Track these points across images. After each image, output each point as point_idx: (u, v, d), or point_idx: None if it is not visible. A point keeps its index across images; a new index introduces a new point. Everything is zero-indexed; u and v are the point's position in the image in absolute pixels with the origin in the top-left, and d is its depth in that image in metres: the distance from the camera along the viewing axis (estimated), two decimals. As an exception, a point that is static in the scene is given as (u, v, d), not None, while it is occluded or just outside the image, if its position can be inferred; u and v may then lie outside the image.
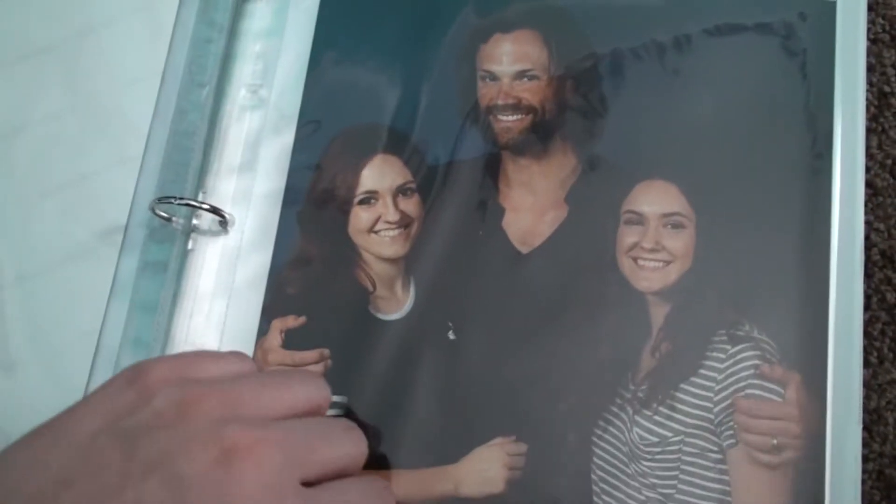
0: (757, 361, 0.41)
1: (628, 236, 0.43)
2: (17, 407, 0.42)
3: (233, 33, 0.47)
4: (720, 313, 0.42)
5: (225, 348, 0.42)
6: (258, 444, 0.31)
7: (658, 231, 0.43)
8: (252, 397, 0.33)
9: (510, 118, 0.45)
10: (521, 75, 0.46)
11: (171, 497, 0.30)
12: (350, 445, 0.35)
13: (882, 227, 0.46)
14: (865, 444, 0.42)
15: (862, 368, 0.41)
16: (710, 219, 0.43)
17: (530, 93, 0.45)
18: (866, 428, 0.43)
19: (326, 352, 0.43)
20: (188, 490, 0.30)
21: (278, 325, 0.43)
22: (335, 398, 0.42)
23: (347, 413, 0.42)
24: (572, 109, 0.45)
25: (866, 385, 0.43)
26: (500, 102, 0.45)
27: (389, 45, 0.47)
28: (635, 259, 0.43)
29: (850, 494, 0.39)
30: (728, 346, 0.41)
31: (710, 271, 0.42)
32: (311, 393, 0.35)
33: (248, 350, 0.43)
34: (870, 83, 0.47)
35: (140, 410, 0.32)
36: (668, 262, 0.42)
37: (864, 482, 0.41)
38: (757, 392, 0.40)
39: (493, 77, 0.46)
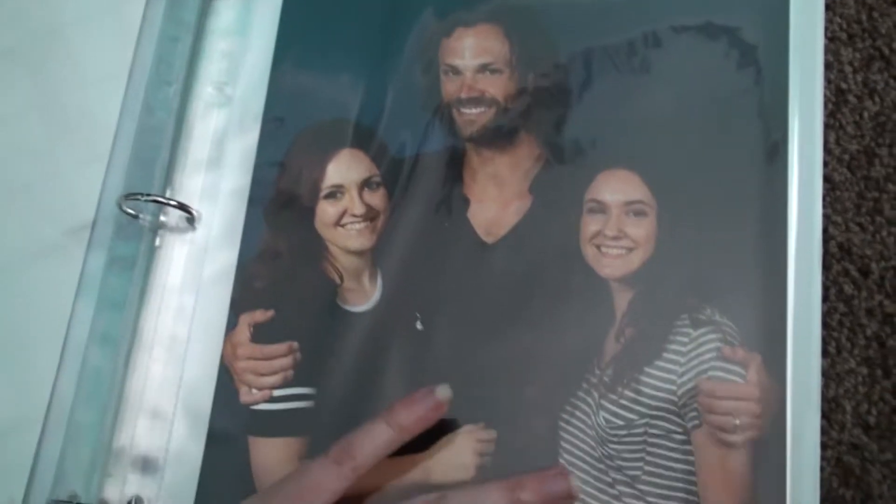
0: (719, 344, 0.41)
1: (591, 224, 0.44)
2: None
3: (199, 31, 0.47)
4: (682, 298, 0.42)
5: (193, 343, 0.43)
6: None
7: (620, 219, 0.43)
8: None
9: (473, 111, 0.46)
10: (483, 69, 0.46)
11: None
12: None
13: (840, 220, 0.47)
14: (824, 432, 0.43)
15: (821, 358, 0.42)
16: (672, 207, 0.44)
17: (493, 86, 0.46)
18: (825, 416, 0.43)
19: (295, 344, 0.43)
20: None
21: (246, 320, 0.43)
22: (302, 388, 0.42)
23: (314, 403, 0.42)
24: (535, 102, 0.46)
25: (825, 374, 0.44)
26: (463, 96, 0.46)
27: (353, 42, 0.47)
28: (598, 247, 0.43)
29: (809, 481, 0.40)
30: (690, 330, 0.42)
31: (672, 258, 0.43)
32: None
33: (217, 344, 0.43)
34: (827, 80, 0.48)
35: None
36: (630, 250, 0.43)
37: (822, 469, 0.42)
38: (719, 374, 0.41)
39: (456, 71, 0.46)
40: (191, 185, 0.45)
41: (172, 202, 0.44)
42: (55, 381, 0.42)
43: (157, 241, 0.45)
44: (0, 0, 0.47)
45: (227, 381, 0.43)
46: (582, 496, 0.40)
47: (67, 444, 0.42)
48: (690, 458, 0.40)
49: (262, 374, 0.43)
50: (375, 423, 0.39)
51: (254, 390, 0.42)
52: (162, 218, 0.45)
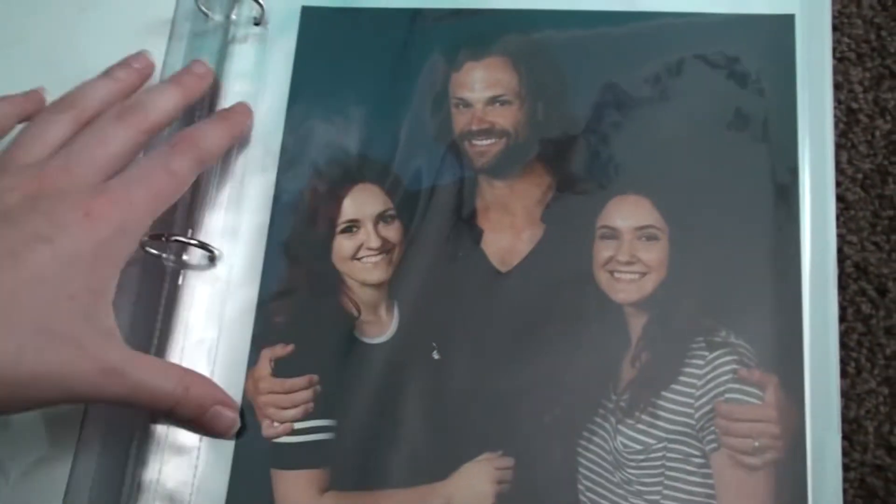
0: (735, 366, 0.41)
1: (604, 250, 0.44)
2: None
3: (217, 74, 0.49)
4: (697, 321, 0.42)
5: (216, 378, 0.43)
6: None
7: (633, 244, 0.44)
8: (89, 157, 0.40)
9: (484, 142, 0.47)
10: (493, 101, 0.47)
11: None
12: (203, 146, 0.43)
13: (855, 239, 0.47)
14: (846, 454, 0.43)
15: (839, 378, 0.41)
16: (683, 230, 0.44)
17: (503, 117, 0.47)
18: (846, 437, 0.43)
19: (315, 377, 0.44)
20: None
21: (268, 354, 0.44)
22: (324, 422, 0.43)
23: (335, 435, 0.43)
24: (545, 131, 0.46)
25: (845, 395, 0.43)
26: (474, 128, 0.47)
27: (365, 80, 0.48)
28: (612, 272, 0.44)
29: (832, 501, 0.40)
30: (706, 353, 0.42)
31: (686, 281, 0.43)
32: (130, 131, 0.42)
33: (240, 380, 0.44)
34: (837, 101, 0.48)
35: None
36: (643, 274, 0.43)
37: (846, 491, 0.41)
38: (736, 396, 0.41)
39: (467, 104, 0.47)
40: (212, 225, 0.46)
41: (194, 241, 0.45)
42: (83, 416, 0.44)
43: (181, 280, 0.46)
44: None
45: (249, 415, 0.43)
46: (602, 522, 0.40)
47: (96, 480, 0.43)
48: (710, 481, 0.40)
49: (284, 408, 0.43)
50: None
51: (276, 424, 0.43)
52: (185, 257, 0.46)
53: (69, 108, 0.43)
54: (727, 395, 0.41)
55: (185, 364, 0.44)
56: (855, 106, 0.49)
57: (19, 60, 0.50)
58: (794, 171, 0.44)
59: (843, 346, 0.44)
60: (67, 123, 0.42)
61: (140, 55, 0.47)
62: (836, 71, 0.48)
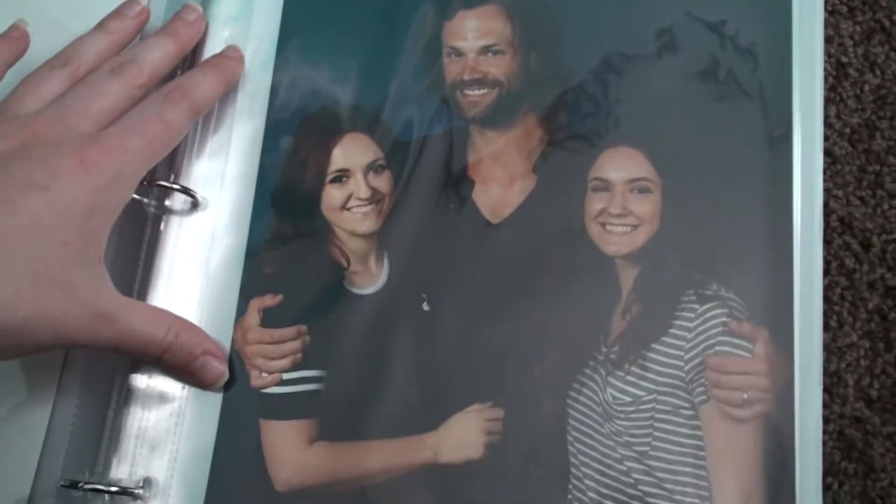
0: (725, 319, 0.42)
1: (596, 202, 0.44)
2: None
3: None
4: (688, 274, 0.43)
5: (203, 327, 0.43)
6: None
7: (625, 196, 0.44)
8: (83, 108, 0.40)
9: (476, 92, 0.46)
10: (485, 50, 0.46)
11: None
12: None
13: (840, 194, 0.47)
14: (826, 406, 0.43)
15: (822, 332, 0.42)
16: (676, 184, 0.44)
17: (495, 67, 0.46)
18: (827, 390, 0.44)
19: (304, 328, 0.43)
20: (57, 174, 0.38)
21: (256, 304, 0.44)
22: (313, 372, 0.43)
23: (324, 386, 0.42)
24: (538, 82, 0.46)
25: (827, 348, 0.44)
26: (466, 77, 0.46)
27: (356, 27, 0.47)
28: (603, 224, 0.44)
29: (812, 455, 0.40)
30: (697, 306, 0.42)
31: (677, 234, 0.43)
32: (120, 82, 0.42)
33: (228, 330, 0.43)
34: (828, 54, 0.48)
35: None
36: (635, 227, 0.43)
37: (825, 443, 0.42)
38: (726, 348, 0.41)
39: (459, 53, 0.47)
40: (196, 171, 0.46)
41: (176, 186, 0.44)
42: (63, 364, 0.43)
43: (162, 226, 0.45)
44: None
45: (237, 365, 0.43)
46: (590, 472, 0.41)
47: (76, 426, 0.42)
48: (698, 433, 0.41)
49: (272, 358, 0.43)
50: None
51: (264, 374, 0.43)
52: (167, 202, 0.45)
53: (64, 64, 0.43)
54: (717, 348, 0.41)
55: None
56: (845, 60, 0.49)
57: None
58: (787, 126, 0.44)
59: (827, 299, 0.44)
60: (62, 78, 0.42)
61: (134, 2, 0.46)
62: (826, 24, 0.48)
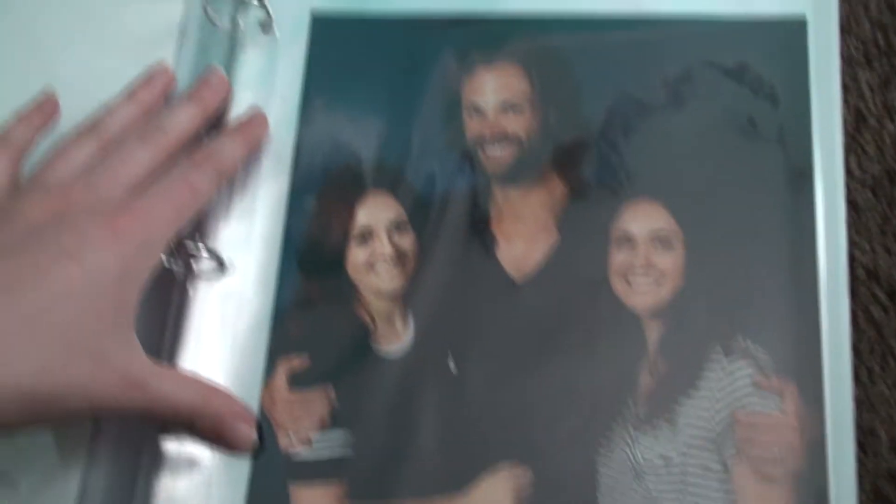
0: (753, 374, 0.41)
1: (619, 257, 0.44)
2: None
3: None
4: (714, 328, 0.43)
5: (231, 390, 0.43)
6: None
7: (648, 250, 0.44)
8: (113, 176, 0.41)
9: (497, 150, 0.46)
10: (505, 107, 0.47)
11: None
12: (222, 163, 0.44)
13: (865, 243, 0.47)
14: (859, 461, 0.43)
15: (852, 385, 0.42)
16: (699, 236, 0.44)
17: (515, 124, 0.46)
18: (859, 445, 0.43)
19: (331, 389, 0.43)
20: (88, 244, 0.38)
21: (283, 367, 0.44)
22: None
23: (353, 447, 0.42)
24: (558, 138, 0.46)
25: (857, 402, 0.43)
26: (486, 135, 0.46)
27: (377, 87, 0.48)
28: (627, 279, 0.44)
29: None
30: (724, 361, 0.42)
31: (702, 287, 0.43)
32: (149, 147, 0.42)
33: (256, 393, 0.43)
34: (846, 103, 0.48)
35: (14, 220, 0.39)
36: (659, 281, 0.43)
37: (860, 500, 0.41)
38: (755, 404, 0.41)
39: (479, 110, 0.47)
40: (223, 233, 0.46)
41: (203, 251, 0.45)
42: (93, 429, 0.43)
43: (190, 290, 0.45)
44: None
45: (266, 428, 0.43)
46: (623, 532, 0.40)
47: (106, 495, 0.43)
48: (731, 492, 0.40)
49: (300, 420, 0.43)
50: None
51: (292, 436, 0.43)
52: (194, 266, 0.45)
53: (93, 132, 0.44)
54: (746, 404, 0.41)
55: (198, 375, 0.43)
56: (864, 108, 0.49)
57: (26, 69, 0.49)
58: (809, 177, 0.44)
59: (855, 352, 0.44)
60: (92, 146, 0.43)
61: (160, 69, 0.47)
62: (844, 73, 0.48)
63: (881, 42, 0.50)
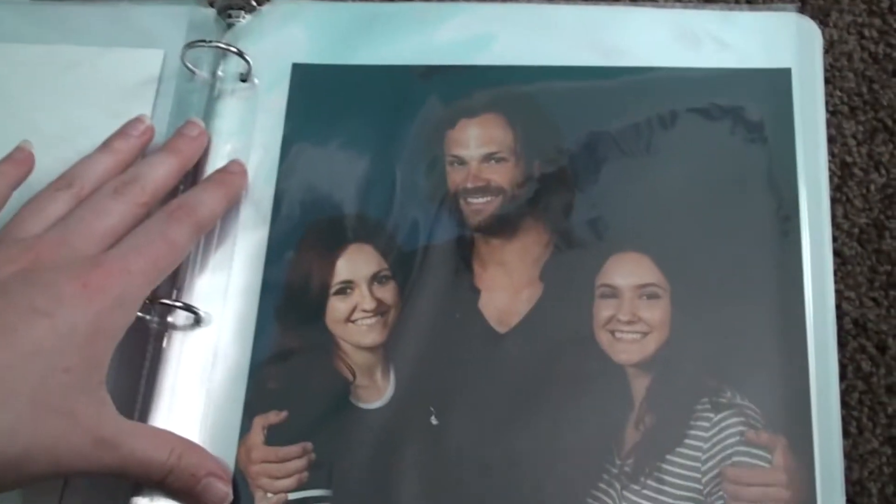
0: (742, 428, 0.41)
1: (604, 310, 0.43)
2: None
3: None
4: (701, 381, 0.42)
5: (206, 447, 0.42)
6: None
7: (633, 303, 0.43)
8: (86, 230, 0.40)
9: (480, 200, 0.46)
10: (488, 158, 0.46)
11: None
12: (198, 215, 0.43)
13: (853, 295, 0.46)
14: (851, 517, 0.42)
15: (842, 439, 0.41)
16: (685, 288, 0.43)
17: (498, 175, 0.46)
18: (850, 500, 0.42)
19: (309, 445, 0.42)
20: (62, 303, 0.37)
21: (260, 422, 0.43)
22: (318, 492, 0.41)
23: (333, 506, 0.41)
24: (541, 188, 0.46)
25: (847, 456, 0.42)
26: (469, 186, 0.46)
27: (357, 137, 0.48)
28: (613, 332, 0.43)
29: None
30: (712, 415, 0.41)
31: (689, 340, 0.42)
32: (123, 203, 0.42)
33: (231, 449, 0.42)
34: (832, 154, 0.48)
35: None
36: (645, 334, 0.43)
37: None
38: (744, 459, 0.40)
39: (461, 161, 0.47)
40: (199, 285, 0.45)
41: (178, 304, 0.44)
42: (62, 489, 0.42)
43: (165, 343, 0.44)
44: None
45: (241, 485, 0.42)
46: None
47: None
48: (719, 548, 0.39)
49: (277, 478, 0.42)
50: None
51: (269, 494, 0.41)
52: (169, 319, 0.44)
53: (68, 186, 0.43)
54: (735, 459, 0.40)
55: (172, 431, 0.42)
56: (849, 159, 0.49)
57: (2, 121, 0.49)
58: (795, 228, 0.44)
59: (844, 405, 0.43)
60: (66, 200, 0.42)
61: (138, 121, 0.46)
62: (829, 124, 0.48)
63: (866, 93, 0.50)
